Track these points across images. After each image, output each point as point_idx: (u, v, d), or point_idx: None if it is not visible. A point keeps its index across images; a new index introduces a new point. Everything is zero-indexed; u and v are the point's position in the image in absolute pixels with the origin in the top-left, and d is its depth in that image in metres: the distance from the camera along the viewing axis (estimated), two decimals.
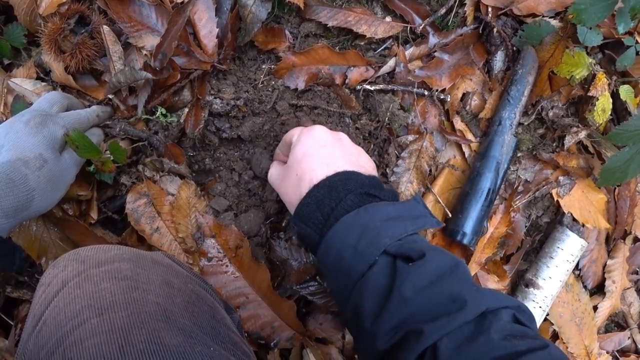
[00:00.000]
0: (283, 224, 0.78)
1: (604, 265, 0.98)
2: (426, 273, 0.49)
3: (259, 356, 0.78)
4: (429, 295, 0.47)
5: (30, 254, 0.78)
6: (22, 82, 0.77)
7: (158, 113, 0.75)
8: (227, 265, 0.73)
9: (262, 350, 0.79)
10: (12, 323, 0.83)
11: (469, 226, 0.79)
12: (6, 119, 0.70)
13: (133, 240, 0.77)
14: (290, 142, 0.67)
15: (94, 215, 0.75)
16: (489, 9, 0.81)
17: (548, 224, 0.92)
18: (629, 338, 1.05)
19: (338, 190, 0.57)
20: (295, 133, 0.67)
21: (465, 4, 0.82)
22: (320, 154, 0.61)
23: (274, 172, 0.69)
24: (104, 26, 0.73)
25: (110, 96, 0.75)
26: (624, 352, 1.06)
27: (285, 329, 0.73)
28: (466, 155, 0.84)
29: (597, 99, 0.80)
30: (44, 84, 0.78)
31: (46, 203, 0.65)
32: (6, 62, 0.82)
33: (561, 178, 0.86)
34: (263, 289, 0.73)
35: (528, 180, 0.85)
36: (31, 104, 0.74)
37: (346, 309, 0.54)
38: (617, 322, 1.06)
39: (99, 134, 0.72)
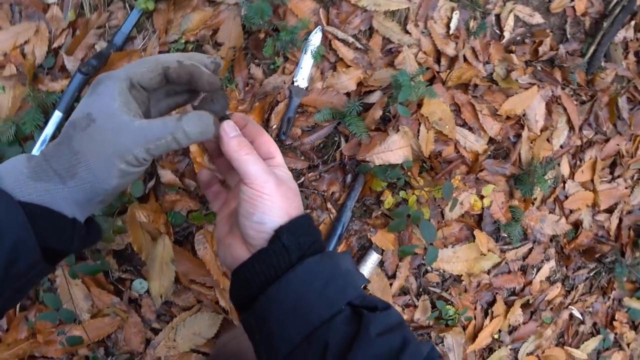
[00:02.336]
0: None
1: (397, 265, 2.12)
2: (389, 321, 0.55)
3: None
4: (389, 338, 0.53)
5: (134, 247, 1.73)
6: None
7: None
8: None
9: None
10: (122, 289, 1.60)
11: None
12: None
13: (187, 247, 1.78)
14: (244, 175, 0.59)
15: (172, 237, 1.74)
16: (346, 156, 1.89)
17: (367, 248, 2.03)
18: (409, 300, 2.19)
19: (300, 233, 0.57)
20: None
21: (336, 153, 1.89)
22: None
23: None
24: None
25: None
26: (407, 305, 2.03)
27: None
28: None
29: (386, 199, 1.92)
30: None
31: (95, 176, 0.51)
32: None
33: (372, 229, 1.97)
34: None
35: (356, 229, 1.96)
36: None
37: (278, 350, 0.53)
38: (404, 292, 1.94)
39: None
